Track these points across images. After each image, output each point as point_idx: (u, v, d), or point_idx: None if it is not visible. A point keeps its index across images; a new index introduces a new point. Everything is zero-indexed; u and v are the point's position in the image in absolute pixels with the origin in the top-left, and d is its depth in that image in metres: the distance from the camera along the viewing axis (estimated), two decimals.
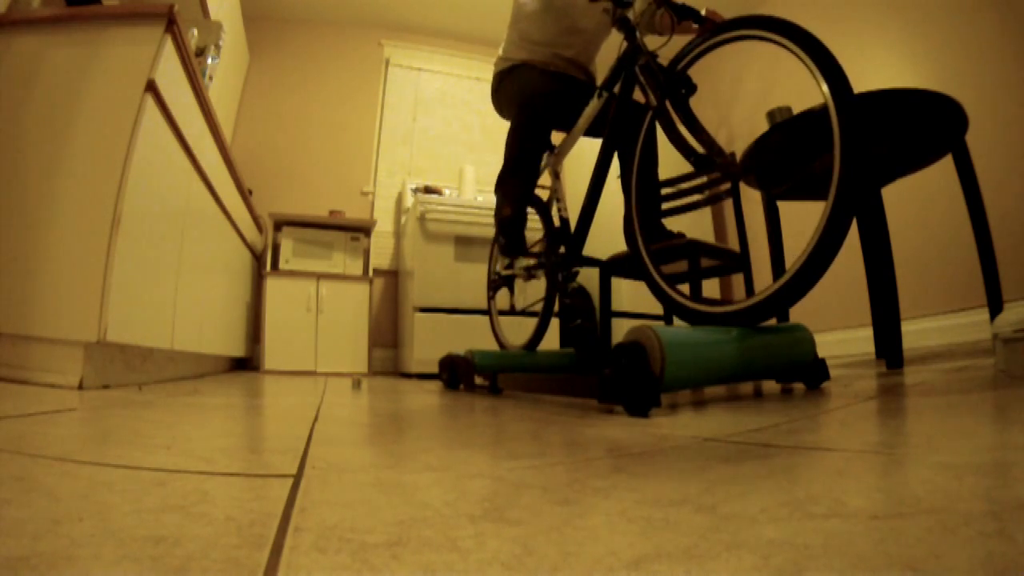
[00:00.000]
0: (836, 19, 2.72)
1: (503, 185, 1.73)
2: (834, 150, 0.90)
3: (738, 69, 3.47)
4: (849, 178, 0.88)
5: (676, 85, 1.22)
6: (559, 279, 1.61)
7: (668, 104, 1.22)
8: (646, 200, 1.63)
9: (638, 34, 1.36)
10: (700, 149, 1.15)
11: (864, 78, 2.35)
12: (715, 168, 1.13)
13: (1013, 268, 1.79)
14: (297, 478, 0.43)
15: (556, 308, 2.60)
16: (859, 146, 0.89)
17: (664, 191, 2.33)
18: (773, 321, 1.87)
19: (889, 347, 1.40)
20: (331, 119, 3.82)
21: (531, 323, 1.99)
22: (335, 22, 3.96)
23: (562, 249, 1.64)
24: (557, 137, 1.77)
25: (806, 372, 1.08)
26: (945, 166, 1.60)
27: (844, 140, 0.89)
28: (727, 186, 2.13)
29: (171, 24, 1.43)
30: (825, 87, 0.94)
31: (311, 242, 3.22)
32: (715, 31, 1.19)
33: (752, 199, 2.37)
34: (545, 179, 1.85)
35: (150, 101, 1.38)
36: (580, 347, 1.52)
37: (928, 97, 1.39)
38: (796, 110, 1.66)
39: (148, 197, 1.44)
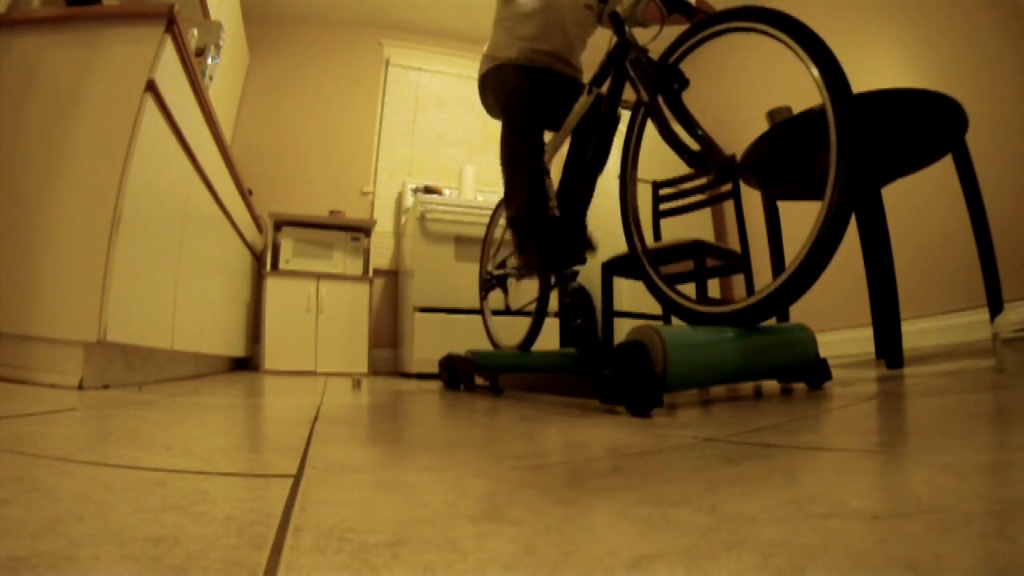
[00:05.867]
0: (836, 19, 2.72)
1: (511, 197, 1.59)
2: (831, 147, 0.88)
3: (739, 66, 3.47)
4: (846, 175, 0.86)
5: (668, 80, 1.19)
6: (558, 279, 1.60)
7: (661, 100, 1.19)
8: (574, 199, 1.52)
9: (627, 28, 1.33)
10: (694, 146, 1.11)
11: (864, 78, 2.35)
12: (710, 167, 1.09)
13: (1013, 268, 1.79)
14: (297, 478, 0.43)
15: (556, 307, 2.57)
16: (856, 142, 0.87)
17: (664, 191, 2.33)
18: (774, 321, 1.87)
19: (889, 347, 1.40)
20: (331, 119, 3.82)
21: (526, 323, 1.99)
22: (335, 22, 3.96)
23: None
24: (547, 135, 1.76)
25: (808, 372, 1.08)
26: (945, 166, 1.60)
27: (841, 136, 0.87)
28: (728, 186, 2.14)
29: (171, 24, 1.43)
30: (821, 82, 0.90)
31: (311, 242, 3.23)
32: (707, 23, 1.15)
33: (752, 199, 2.37)
34: None
35: (150, 101, 1.38)
36: (581, 347, 1.51)
37: (928, 97, 1.39)
38: (796, 110, 1.66)
39: (148, 197, 1.44)
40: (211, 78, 2.41)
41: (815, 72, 0.91)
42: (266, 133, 3.64)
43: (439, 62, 4.13)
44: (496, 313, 2.17)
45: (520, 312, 2.03)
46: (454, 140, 4.07)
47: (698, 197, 2.24)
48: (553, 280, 1.65)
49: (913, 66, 2.34)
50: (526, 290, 2.35)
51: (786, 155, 1.66)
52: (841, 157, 0.87)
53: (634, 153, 1.38)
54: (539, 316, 1.82)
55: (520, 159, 1.56)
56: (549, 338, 2.88)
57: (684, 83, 1.18)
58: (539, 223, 1.52)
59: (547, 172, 1.62)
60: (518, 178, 1.56)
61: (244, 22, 3.35)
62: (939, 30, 2.24)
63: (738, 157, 1.93)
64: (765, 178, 1.83)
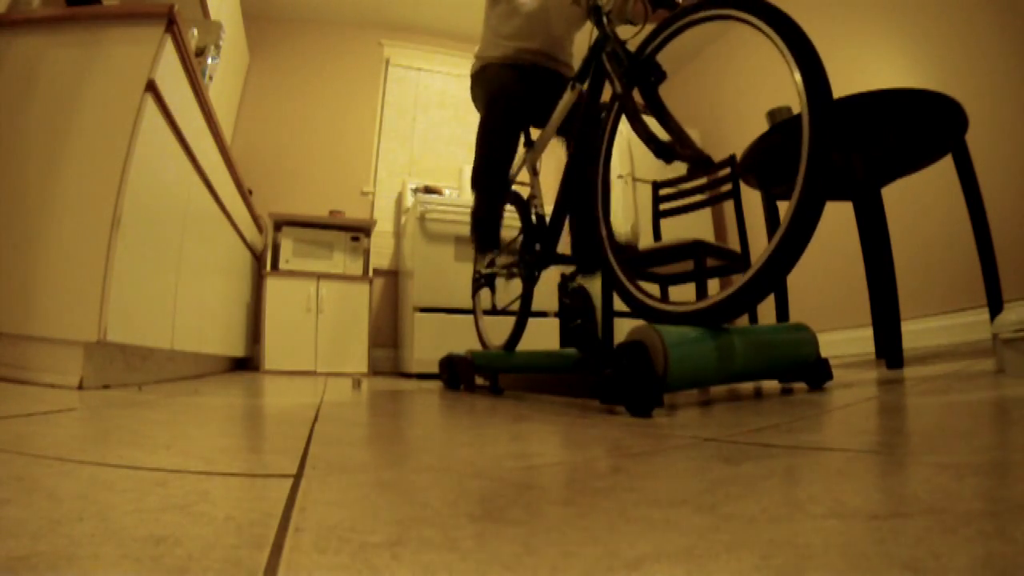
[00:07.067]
0: (836, 18, 2.72)
1: (475, 184, 1.76)
2: (802, 140, 0.85)
3: (740, 66, 3.47)
4: (817, 169, 0.84)
5: (643, 72, 1.16)
6: (533, 279, 1.61)
7: (637, 92, 1.16)
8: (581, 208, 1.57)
9: (605, 21, 1.30)
10: (665, 137, 1.08)
11: (865, 78, 2.35)
12: (676, 157, 1.06)
13: (1013, 268, 1.79)
14: (297, 478, 0.43)
15: (555, 307, 2.55)
16: (827, 153, 0.83)
17: (664, 191, 2.33)
18: (774, 321, 1.87)
19: (889, 347, 1.40)
20: (331, 119, 3.82)
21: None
22: (335, 22, 3.96)
23: (537, 247, 1.63)
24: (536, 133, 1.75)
25: (809, 372, 1.08)
26: (945, 166, 1.60)
27: (814, 130, 0.84)
28: (728, 186, 2.14)
29: (171, 24, 1.43)
30: (797, 73, 0.87)
31: (311, 242, 3.23)
32: (684, 12, 1.11)
33: (752, 199, 2.37)
34: (524, 176, 1.82)
35: (150, 101, 1.38)
36: (581, 347, 1.51)
37: (928, 97, 1.39)
38: (796, 110, 1.66)
39: (148, 197, 1.44)
40: (211, 78, 2.41)
41: (793, 66, 0.87)
42: (266, 133, 3.65)
43: (439, 62, 4.13)
44: (486, 313, 2.16)
45: (507, 312, 2.02)
46: (454, 140, 4.07)
47: (698, 197, 2.24)
48: (556, 280, 1.64)
49: (913, 66, 2.34)
50: (514, 289, 2.34)
51: (786, 155, 1.66)
52: (812, 155, 0.85)
53: (607, 147, 1.35)
54: (522, 316, 1.80)
55: (486, 160, 1.69)
56: (549, 338, 2.88)
57: (661, 76, 1.15)
58: (480, 220, 1.77)
59: (510, 181, 1.76)
60: (481, 176, 1.72)
61: (244, 22, 3.35)
62: (939, 30, 2.24)
63: (738, 157, 1.93)
64: (765, 178, 1.84)
